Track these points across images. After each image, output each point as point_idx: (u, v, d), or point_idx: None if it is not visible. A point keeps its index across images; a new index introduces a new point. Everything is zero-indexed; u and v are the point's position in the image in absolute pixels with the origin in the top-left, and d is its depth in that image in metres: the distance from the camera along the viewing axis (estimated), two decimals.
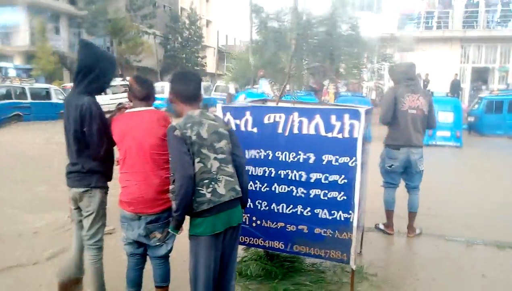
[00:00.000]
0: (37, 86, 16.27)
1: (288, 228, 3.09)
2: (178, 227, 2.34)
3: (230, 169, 2.36)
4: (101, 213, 2.86)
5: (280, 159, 3.03)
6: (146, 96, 2.73)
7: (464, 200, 6.16)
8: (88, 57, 2.81)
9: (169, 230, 2.41)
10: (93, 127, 2.69)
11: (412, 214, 4.60)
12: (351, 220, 2.92)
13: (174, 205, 2.27)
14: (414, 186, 4.57)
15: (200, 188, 2.26)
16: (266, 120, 3.04)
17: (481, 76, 20.90)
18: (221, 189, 2.29)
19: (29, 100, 15.35)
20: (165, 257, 2.80)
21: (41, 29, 25.13)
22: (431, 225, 4.89)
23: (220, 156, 2.32)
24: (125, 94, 2.92)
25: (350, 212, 2.92)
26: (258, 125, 3.06)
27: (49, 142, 10.74)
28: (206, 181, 2.27)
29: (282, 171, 3.04)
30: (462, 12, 20.18)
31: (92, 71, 2.77)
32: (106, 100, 20.42)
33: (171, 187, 2.35)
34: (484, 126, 14.17)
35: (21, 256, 3.93)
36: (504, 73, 20.41)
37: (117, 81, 22.84)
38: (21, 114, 14.97)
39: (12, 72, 24.77)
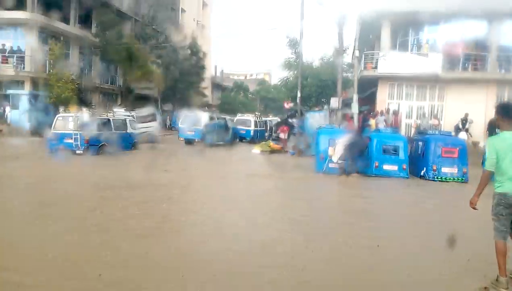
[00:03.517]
0: (118, 116, 16.26)
1: None
2: None
3: None
4: None
5: None
6: None
7: None
8: None
9: None
10: None
11: None
12: None
13: None
14: None
15: None
16: None
17: None
18: None
19: (113, 131, 15.41)
20: None
21: (57, 55, 24.42)
22: None
23: None
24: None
25: None
26: None
27: None
28: None
29: None
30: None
31: None
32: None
33: None
34: None
35: None
36: None
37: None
38: (106, 144, 14.97)
39: (24, 99, 23.71)
